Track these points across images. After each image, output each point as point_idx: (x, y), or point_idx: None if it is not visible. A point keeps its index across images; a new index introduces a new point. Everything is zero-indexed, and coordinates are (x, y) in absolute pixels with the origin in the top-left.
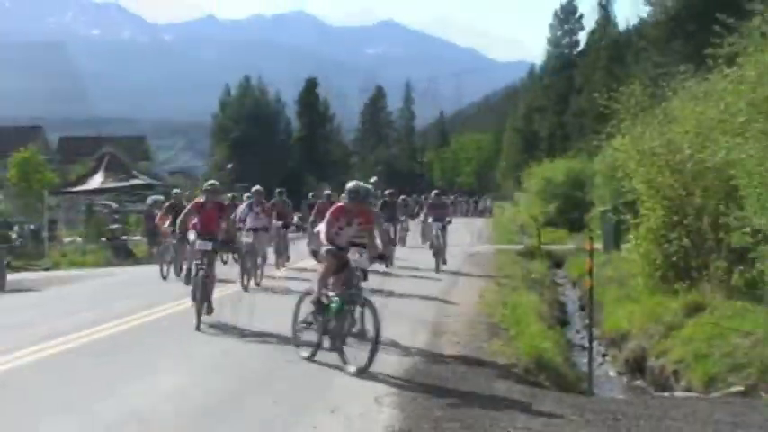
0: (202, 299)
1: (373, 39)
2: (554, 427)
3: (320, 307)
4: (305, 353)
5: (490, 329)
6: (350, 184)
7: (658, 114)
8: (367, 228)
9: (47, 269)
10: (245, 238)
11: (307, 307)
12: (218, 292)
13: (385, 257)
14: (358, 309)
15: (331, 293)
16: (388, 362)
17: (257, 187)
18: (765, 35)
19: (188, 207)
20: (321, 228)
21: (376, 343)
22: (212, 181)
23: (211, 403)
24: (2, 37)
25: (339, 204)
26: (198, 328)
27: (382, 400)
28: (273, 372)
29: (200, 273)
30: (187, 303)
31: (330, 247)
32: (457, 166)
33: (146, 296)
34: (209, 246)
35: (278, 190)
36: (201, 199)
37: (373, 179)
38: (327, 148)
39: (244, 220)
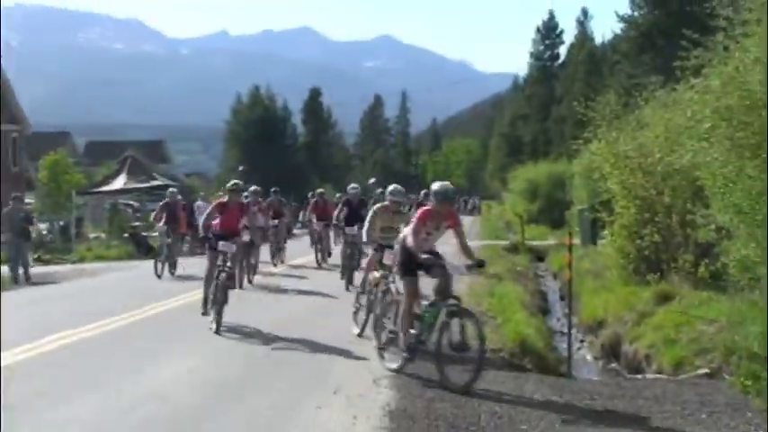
0: (223, 302)
1: (372, 52)
2: (536, 406)
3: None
4: (393, 364)
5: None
6: (435, 186)
7: (631, 121)
8: (457, 230)
9: (74, 262)
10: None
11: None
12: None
13: (484, 264)
14: (456, 320)
15: (424, 302)
16: None
17: (254, 187)
18: (728, 49)
19: (210, 207)
20: (407, 235)
21: (482, 357)
22: (235, 180)
23: (222, 387)
24: (35, 50)
25: (426, 208)
26: (217, 332)
27: (380, 383)
28: (277, 360)
29: (222, 276)
30: (191, 298)
31: (428, 257)
32: (448, 169)
33: (156, 290)
34: (233, 248)
35: (273, 189)
36: (224, 199)
37: (372, 180)
38: (330, 152)
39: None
